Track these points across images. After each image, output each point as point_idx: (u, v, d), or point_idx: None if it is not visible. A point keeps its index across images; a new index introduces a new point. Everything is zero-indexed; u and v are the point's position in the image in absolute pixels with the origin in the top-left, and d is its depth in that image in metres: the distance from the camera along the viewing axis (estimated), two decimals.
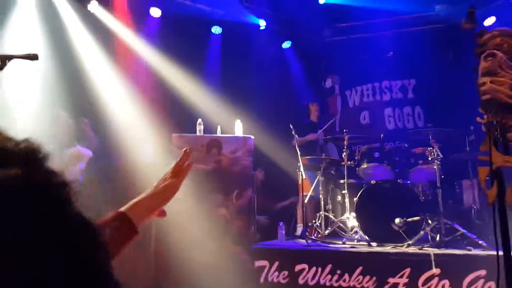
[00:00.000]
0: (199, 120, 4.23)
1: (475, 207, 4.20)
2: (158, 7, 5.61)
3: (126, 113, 4.84)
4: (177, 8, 5.62)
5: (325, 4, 5.86)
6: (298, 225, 5.04)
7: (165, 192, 1.02)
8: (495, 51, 1.88)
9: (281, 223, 4.51)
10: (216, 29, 6.16)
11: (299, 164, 4.52)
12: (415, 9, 5.70)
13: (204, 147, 4.00)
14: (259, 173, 5.43)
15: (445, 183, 4.19)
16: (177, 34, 5.58)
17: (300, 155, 4.56)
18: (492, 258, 3.33)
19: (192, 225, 3.85)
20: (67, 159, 3.65)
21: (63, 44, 4.74)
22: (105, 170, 4.05)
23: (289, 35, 6.45)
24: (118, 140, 4.55)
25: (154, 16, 5.65)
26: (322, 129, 5.22)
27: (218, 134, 4.21)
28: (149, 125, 4.74)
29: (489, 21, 5.42)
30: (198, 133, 4.16)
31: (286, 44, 6.57)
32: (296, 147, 4.63)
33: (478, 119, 1.93)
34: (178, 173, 1.05)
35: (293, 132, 4.73)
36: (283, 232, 4.50)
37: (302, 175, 4.50)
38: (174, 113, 5.15)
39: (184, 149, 1.11)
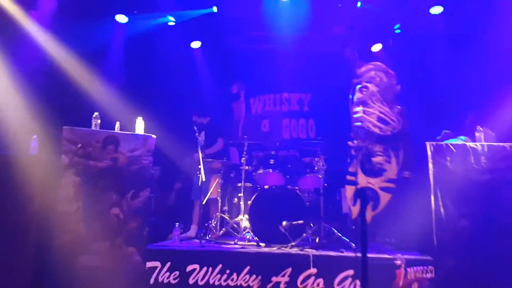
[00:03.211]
0: (96, 113, 3.94)
1: (351, 213, 4.82)
2: None
3: (8, 99, 4.31)
4: None
5: (234, 10, 5.77)
6: (192, 226, 5.13)
7: None
8: (368, 84, 2.22)
9: (176, 224, 4.54)
10: (121, 18, 5.58)
11: (199, 166, 4.61)
12: (317, 28, 6.13)
13: (100, 143, 3.75)
14: (155, 170, 5.35)
15: (327, 191, 4.72)
16: (75, 16, 5.01)
17: (202, 157, 4.65)
18: (358, 260, 3.88)
19: (81, 226, 3.64)
20: None
21: None
22: None
23: (199, 35, 6.38)
24: None
25: None
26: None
27: (117, 130, 3.97)
28: (36, 115, 4.29)
29: (376, 47, 6.19)
30: (93, 127, 3.88)
31: (196, 44, 6.38)
32: (199, 149, 4.71)
33: (349, 143, 2.26)
34: None
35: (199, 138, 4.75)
36: (179, 233, 4.55)
37: (202, 178, 4.58)
38: (67, 105, 4.72)
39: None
